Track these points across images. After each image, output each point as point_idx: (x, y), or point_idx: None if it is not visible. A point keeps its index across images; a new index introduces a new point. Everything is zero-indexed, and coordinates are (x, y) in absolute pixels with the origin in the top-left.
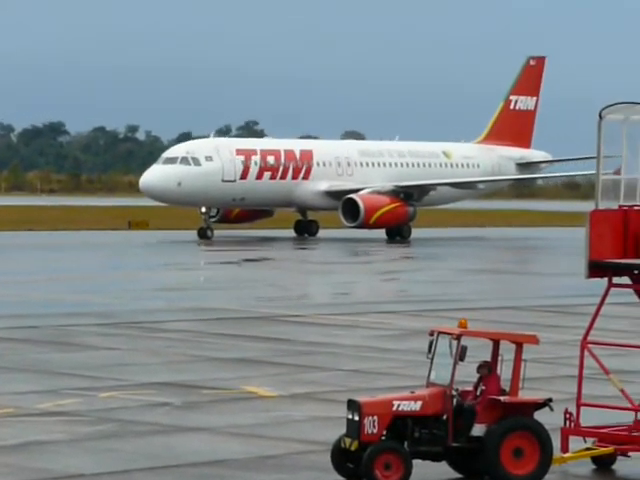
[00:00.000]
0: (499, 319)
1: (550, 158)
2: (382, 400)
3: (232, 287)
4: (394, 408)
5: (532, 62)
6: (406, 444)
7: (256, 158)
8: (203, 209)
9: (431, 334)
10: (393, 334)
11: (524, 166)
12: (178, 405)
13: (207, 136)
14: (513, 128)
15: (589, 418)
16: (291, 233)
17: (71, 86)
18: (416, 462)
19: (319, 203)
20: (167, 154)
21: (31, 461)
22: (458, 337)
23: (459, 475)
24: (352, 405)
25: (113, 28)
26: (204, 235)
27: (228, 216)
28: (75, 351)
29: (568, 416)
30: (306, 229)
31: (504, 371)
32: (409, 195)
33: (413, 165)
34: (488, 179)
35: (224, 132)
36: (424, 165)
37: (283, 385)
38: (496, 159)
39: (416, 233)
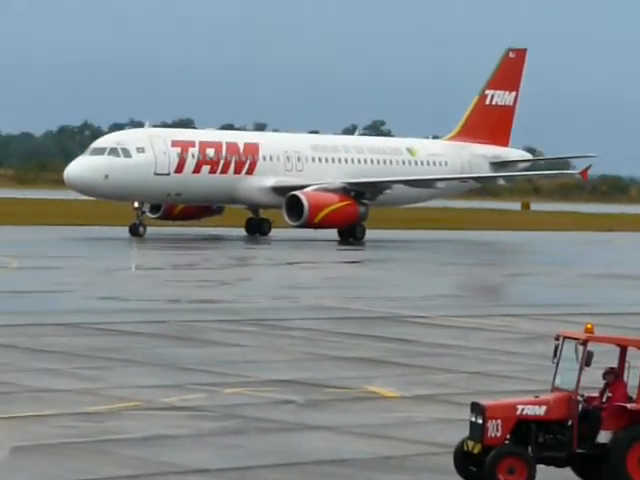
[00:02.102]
0: (623, 325)
1: (528, 157)
2: (506, 404)
3: (354, 286)
4: (518, 412)
5: (511, 54)
6: (530, 449)
7: (194, 150)
8: (136, 204)
9: (557, 339)
10: (518, 337)
11: (499, 165)
12: (301, 403)
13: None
14: (488, 124)
15: None
16: (241, 232)
17: (201, 84)
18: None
19: (265, 200)
20: (95, 144)
21: (156, 454)
22: (584, 342)
23: None
24: (476, 408)
25: (256, 28)
26: (136, 232)
27: (171, 212)
28: (201, 347)
29: None
30: (258, 228)
31: (631, 378)
32: (360, 194)
33: (372, 162)
34: (444, 177)
35: (350, 131)
36: (384, 162)
37: (406, 386)
38: (467, 157)
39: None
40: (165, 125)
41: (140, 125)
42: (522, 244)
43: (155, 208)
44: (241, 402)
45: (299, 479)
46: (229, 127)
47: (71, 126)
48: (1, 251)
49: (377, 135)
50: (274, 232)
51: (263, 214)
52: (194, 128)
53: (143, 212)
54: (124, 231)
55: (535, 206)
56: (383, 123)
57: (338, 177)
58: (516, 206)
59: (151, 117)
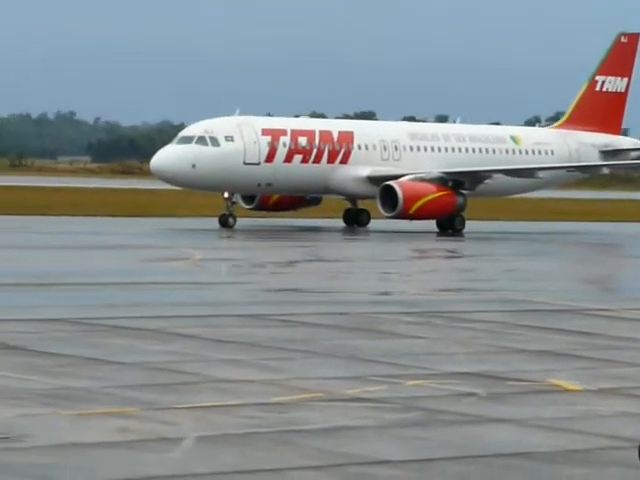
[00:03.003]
0: None
1: None
2: None
3: (534, 279)
4: None
5: (623, 39)
6: None
7: (285, 139)
8: (226, 194)
9: None
10: None
11: (610, 154)
12: (483, 396)
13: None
14: (599, 112)
15: None
16: (339, 223)
17: (381, 78)
18: None
19: (360, 190)
20: (183, 133)
21: (338, 446)
22: None
23: None
24: None
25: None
26: (225, 223)
27: (266, 203)
28: (382, 338)
29: None
30: (356, 219)
31: None
32: (458, 183)
33: (473, 150)
34: (546, 166)
35: (532, 122)
36: (486, 151)
37: (589, 379)
38: (575, 146)
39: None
40: (346, 117)
41: (322, 117)
42: None
43: (249, 198)
44: (423, 394)
45: (481, 471)
46: (410, 119)
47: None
48: (147, 241)
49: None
50: (371, 223)
51: (360, 205)
52: (375, 120)
53: (233, 202)
54: (208, 222)
55: None
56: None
57: (437, 166)
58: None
59: (333, 109)
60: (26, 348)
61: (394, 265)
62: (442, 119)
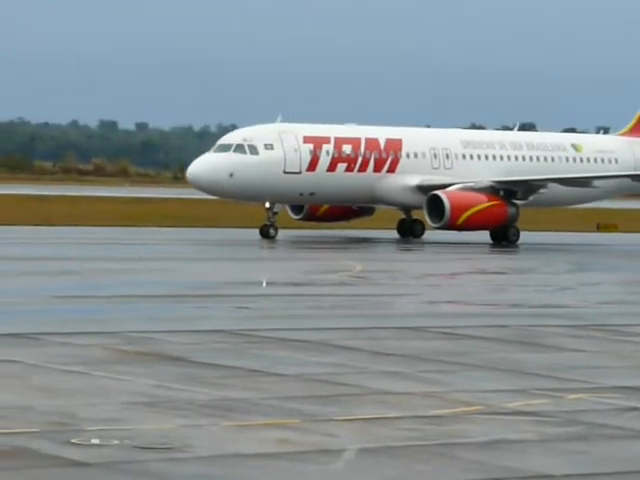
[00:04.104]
0: None
1: None
2: None
3: None
4: None
5: None
6: None
7: (328, 147)
8: (267, 204)
9: None
10: None
11: None
12: None
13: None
14: None
15: None
16: (390, 234)
17: (543, 89)
18: None
19: (409, 200)
20: (222, 141)
21: (499, 459)
22: None
23: None
24: None
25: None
26: (266, 234)
27: (314, 213)
28: (542, 351)
29: None
30: (410, 230)
31: None
32: (511, 193)
33: (530, 159)
34: (603, 175)
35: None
36: (544, 159)
37: None
38: None
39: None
40: (506, 128)
41: (481, 128)
42: None
43: (297, 208)
44: (584, 408)
45: None
46: (571, 131)
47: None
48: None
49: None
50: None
51: (415, 215)
52: (535, 131)
53: (275, 213)
54: (247, 233)
55: None
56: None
57: (491, 175)
58: None
59: (493, 121)
60: (187, 359)
61: (551, 278)
62: (605, 130)
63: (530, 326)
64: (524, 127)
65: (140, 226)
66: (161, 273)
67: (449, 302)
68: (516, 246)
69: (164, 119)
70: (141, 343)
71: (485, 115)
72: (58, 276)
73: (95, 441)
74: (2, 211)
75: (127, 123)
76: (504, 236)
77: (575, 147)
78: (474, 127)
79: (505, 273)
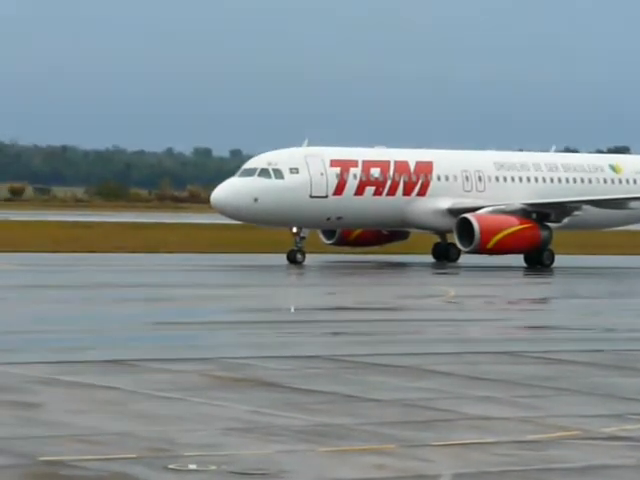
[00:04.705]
0: None
1: None
2: None
3: None
4: None
5: None
6: None
7: (356, 170)
8: (294, 229)
9: None
10: None
11: None
12: None
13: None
14: None
15: None
16: (424, 258)
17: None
18: None
19: (440, 224)
20: (247, 165)
21: None
22: None
23: None
24: None
25: None
26: (294, 259)
27: (347, 238)
28: (638, 376)
29: None
30: (445, 254)
31: None
32: (544, 215)
33: (567, 181)
34: (636, 196)
35: None
36: (581, 181)
37: None
38: None
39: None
40: (599, 152)
41: (576, 152)
42: None
43: (329, 233)
44: None
45: None
46: None
47: None
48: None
49: None
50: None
51: (450, 239)
52: (628, 154)
53: (302, 238)
54: (274, 258)
55: None
56: None
57: (525, 198)
58: None
59: (587, 144)
60: (283, 385)
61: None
62: None
63: (625, 350)
64: (617, 150)
65: (232, 252)
66: (253, 299)
67: (544, 327)
68: (551, 270)
69: (258, 146)
70: (236, 369)
71: (578, 139)
72: (155, 302)
73: (192, 467)
74: (105, 239)
75: (221, 150)
76: (538, 259)
77: (614, 168)
78: (568, 151)
79: (598, 297)
